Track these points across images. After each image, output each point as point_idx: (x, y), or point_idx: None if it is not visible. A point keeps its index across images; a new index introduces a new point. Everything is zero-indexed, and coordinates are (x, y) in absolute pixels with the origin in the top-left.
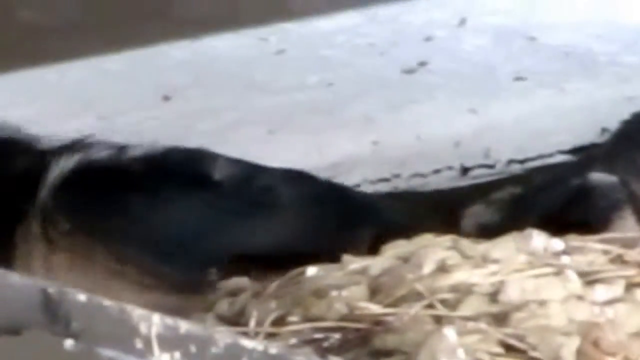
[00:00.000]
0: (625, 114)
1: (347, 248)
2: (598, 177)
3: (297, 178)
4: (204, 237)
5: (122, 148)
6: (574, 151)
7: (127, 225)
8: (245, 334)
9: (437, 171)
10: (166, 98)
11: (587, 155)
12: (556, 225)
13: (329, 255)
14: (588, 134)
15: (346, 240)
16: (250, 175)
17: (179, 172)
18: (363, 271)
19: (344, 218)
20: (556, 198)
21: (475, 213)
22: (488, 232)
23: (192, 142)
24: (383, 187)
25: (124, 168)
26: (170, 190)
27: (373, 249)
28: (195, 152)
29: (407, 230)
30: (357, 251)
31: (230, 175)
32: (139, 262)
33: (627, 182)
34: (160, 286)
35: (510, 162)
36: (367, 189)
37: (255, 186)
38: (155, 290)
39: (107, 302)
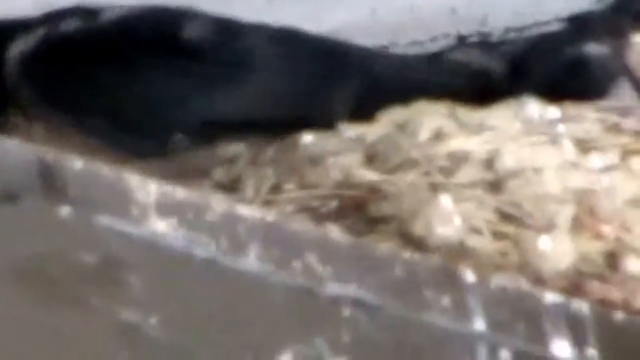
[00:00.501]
0: None
1: (330, 106)
2: (593, 48)
3: (282, 36)
4: (176, 104)
5: (93, 13)
6: (571, 19)
7: (95, 96)
8: (242, 201)
9: (433, 39)
10: None
11: (581, 24)
12: (553, 96)
13: (307, 119)
14: (585, 1)
15: (330, 99)
16: (230, 35)
17: (150, 36)
18: (359, 138)
19: (328, 75)
20: (552, 68)
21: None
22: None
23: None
24: None
25: (92, 36)
26: (141, 56)
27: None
28: (171, 12)
29: (400, 90)
30: (342, 106)
31: (208, 36)
32: (107, 133)
33: (621, 53)
34: (126, 155)
35: (507, 30)
36: None
37: (233, 47)
38: (122, 160)
39: (103, 169)
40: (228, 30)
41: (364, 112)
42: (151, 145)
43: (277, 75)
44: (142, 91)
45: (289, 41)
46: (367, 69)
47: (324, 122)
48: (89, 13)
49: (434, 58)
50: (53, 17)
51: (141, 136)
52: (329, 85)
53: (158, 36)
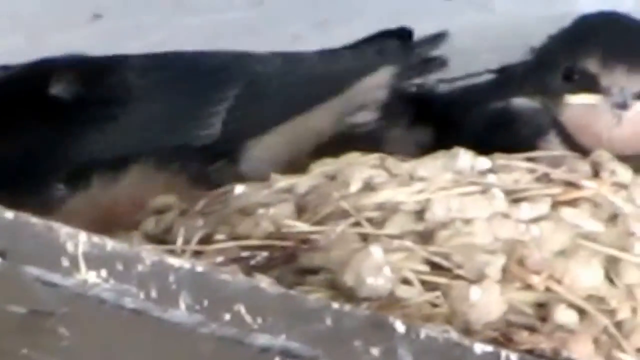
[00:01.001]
0: (553, 32)
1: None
2: (520, 102)
3: (153, 63)
4: (51, 154)
5: None
6: (501, 70)
7: None
8: (172, 252)
9: None
10: (97, 16)
11: (508, 77)
12: (480, 149)
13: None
14: (515, 53)
15: (210, 113)
16: (98, 76)
17: (21, 94)
18: (290, 189)
19: (206, 89)
20: (478, 121)
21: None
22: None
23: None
24: None
25: None
26: (14, 114)
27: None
28: (40, 69)
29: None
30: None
31: (73, 87)
32: None
33: (548, 107)
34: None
35: (438, 81)
36: None
37: (101, 88)
38: None
39: (33, 220)
40: (96, 72)
41: (248, 117)
42: (33, 197)
43: (151, 103)
44: (19, 147)
45: (161, 66)
46: (247, 73)
47: (210, 139)
48: None
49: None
50: None
51: (23, 190)
52: (208, 100)
53: (28, 94)
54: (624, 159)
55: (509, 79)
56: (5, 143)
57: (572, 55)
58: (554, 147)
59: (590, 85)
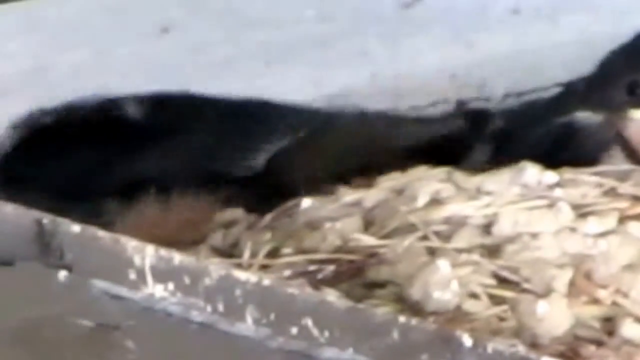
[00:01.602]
0: None
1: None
2: (584, 117)
3: (205, 102)
4: (107, 171)
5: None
6: (567, 85)
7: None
8: (239, 266)
9: (433, 104)
10: (164, 30)
11: (570, 92)
12: (544, 165)
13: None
14: (583, 69)
15: (255, 152)
16: (158, 106)
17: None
18: (357, 203)
19: (253, 130)
20: (542, 136)
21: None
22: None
23: (189, 75)
24: None
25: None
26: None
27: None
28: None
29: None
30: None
31: (139, 111)
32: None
33: (612, 121)
34: None
35: (506, 95)
36: None
37: (162, 117)
38: None
39: (100, 233)
40: (158, 104)
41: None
42: (84, 209)
43: (203, 135)
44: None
45: (213, 106)
46: (293, 125)
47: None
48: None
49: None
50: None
51: (76, 202)
52: (255, 140)
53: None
54: None
55: (571, 94)
56: (69, 160)
57: (635, 69)
58: (617, 162)
59: None
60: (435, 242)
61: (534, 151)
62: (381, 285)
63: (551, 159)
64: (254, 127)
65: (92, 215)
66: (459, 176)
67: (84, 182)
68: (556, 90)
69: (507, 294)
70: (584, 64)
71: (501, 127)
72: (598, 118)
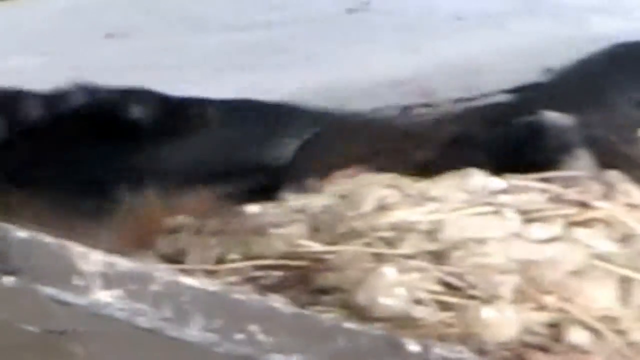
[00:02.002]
0: (567, 53)
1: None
2: (552, 117)
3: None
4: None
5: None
6: (516, 90)
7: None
8: (186, 272)
9: (378, 110)
10: (109, 36)
11: (529, 95)
12: (507, 165)
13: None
14: (530, 74)
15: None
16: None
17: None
18: (303, 209)
19: (266, 130)
20: (503, 137)
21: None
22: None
23: (134, 80)
24: None
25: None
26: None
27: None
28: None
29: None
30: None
31: (147, 112)
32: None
33: (588, 125)
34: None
35: (452, 101)
36: None
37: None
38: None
39: (47, 239)
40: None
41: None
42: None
43: (227, 133)
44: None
45: (236, 106)
46: (313, 125)
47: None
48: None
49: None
50: None
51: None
52: (278, 138)
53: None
54: None
55: (534, 99)
56: (80, 156)
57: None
58: (583, 166)
59: None
60: (381, 249)
61: (496, 150)
62: (327, 291)
63: (516, 158)
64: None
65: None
66: (405, 182)
67: (95, 178)
68: (503, 95)
69: (454, 300)
70: (529, 69)
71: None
72: (567, 119)
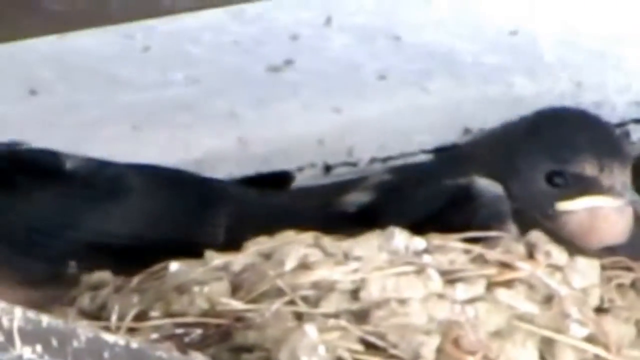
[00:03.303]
0: (488, 114)
1: (203, 234)
2: (483, 184)
3: (146, 168)
4: (59, 228)
5: None
6: (436, 151)
7: None
8: (107, 329)
9: (300, 169)
10: (32, 92)
11: (453, 156)
12: (432, 228)
13: (186, 242)
14: (450, 134)
15: (201, 225)
16: (100, 167)
17: (37, 167)
18: (225, 267)
19: (196, 203)
20: (432, 196)
21: (354, 200)
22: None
23: (57, 136)
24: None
25: None
26: (29, 184)
27: (232, 241)
28: (52, 151)
29: (266, 219)
30: (214, 237)
31: (81, 167)
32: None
33: (515, 197)
34: (23, 281)
35: (373, 160)
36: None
37: (105, 176)
38: (18, 286)
39: None
40: (96, 163)
41: (232, 242)
42: (47, 272)
43: (150, 199)
44: (30, 215)
45: (157, 172)
46: (236, 199)
47: (199, 247)
48: None
49: (299, 193)
50: None
51: (38, 263)
52: (202, 210)
53: (43, 167)
54: (612, 250)
55: (466, 157)
56: (23, 206)
57: (554, 159)
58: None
59: (587, 187)
60: (302, 307)
61: (421, 212)
62: (249, 349)
63: (444, 221)
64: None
65: (52, 278)
66: (327, 241)
67: (41, 239)
68: (423, 156)
69: (375, 359)
70: (450, 129)
71: (386, 187)
72: (498, 188)
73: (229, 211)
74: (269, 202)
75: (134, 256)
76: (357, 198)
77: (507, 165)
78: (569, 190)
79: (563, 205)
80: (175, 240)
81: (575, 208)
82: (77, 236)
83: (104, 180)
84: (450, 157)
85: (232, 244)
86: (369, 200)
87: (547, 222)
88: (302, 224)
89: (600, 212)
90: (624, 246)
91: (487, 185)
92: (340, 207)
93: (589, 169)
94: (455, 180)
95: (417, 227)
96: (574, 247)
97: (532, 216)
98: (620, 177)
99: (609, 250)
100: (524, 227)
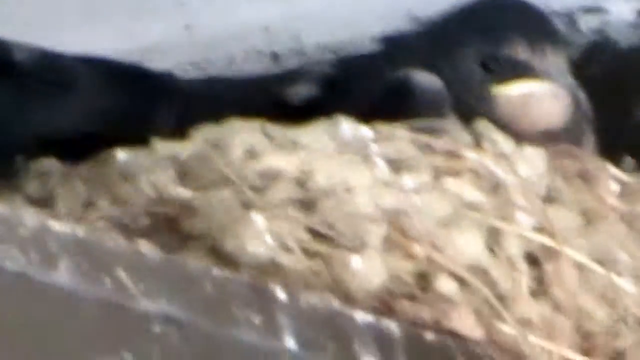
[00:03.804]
0: (434, 2)
1: (151, 126)
2: (422, 78)
3: (94, 60)
4: (6, 123)
5: None
6: (383, 38)
7: None
8: (54, 216)
9: (246, 56)
10: None
11: (397, 47)
12: (373, 117)
13: (134, 136)
14: (397, 22)
15: (149, 118)
16: (48, 59)
17: None
18: (172, 156)
19: (145, 97)
20: (373, 89)
21: (298, 92)
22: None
23: (4, 28)
24: (196, 73)
25: None
26: None
27: (180, 131)
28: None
29: (214, 112)
30: (161, 130)
31: (29, 58)
32: None
33: (451, 86)
34: None
35: (321, 47)
36: (180, 73)
37: (53, 68)
38: None
39: None
40: (44, 55)
41: (180, 134)
42: None
43: (99, 94)
44: None
45: (106, 65)
46: (183, 91)
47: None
48: None
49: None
50: None
51: None
52: (149, 104)
53: None
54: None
55: (404, 49)
56: None
57: (486, 43)
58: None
59: (521, 71)
60: (249, 195)
61: (364, 105)
62: (196, 237)
63: (383, 114)
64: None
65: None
66: (274, 129)
67: None
68: (371, 43)
69: (322, 248)
70: (397, 17)
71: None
72: (437, 82)
73: (176, 103)
74: (215, 92)
75: (82, 151)
76: (301, 90)
77: (444, 53)
78: (503, 75)
79: (497, 90)
80: (123, 135)
81: (509, 93)
82: (25, 131)
83: (52, 73)
84: (392, 49)
85: (180, 136)
86: (313, 94)
87: (483, 107)
88: (248, 113)
89: (533, 96)
90: (562, 132)
91: (425, 79)
92: (285, 98)
93: (521, 51)
94: (396, 74)
95: (360, 121)
96: (510, 132)
97: (469, 103)
98: (555, 61)
99: (548, 136)
100: (461, 115)
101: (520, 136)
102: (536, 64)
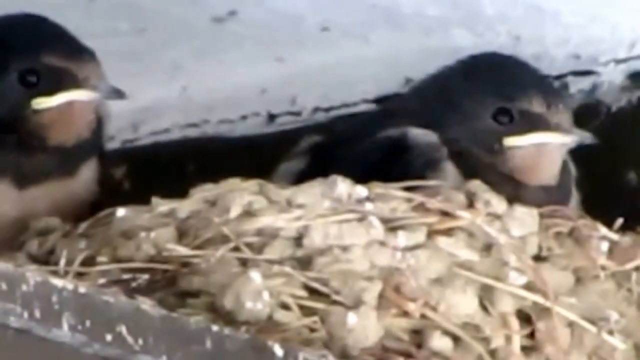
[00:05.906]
0: (428, 65)
1: None
2: (416, 134)
3: None
4: None
5: None
6: (378, 100)
7: None
8: (55, 273)
9: (244, 117)
10: None
11: (390, 106)
12: (371, 178)
13: None
14: (391, 84)
15: None
16: None
17: None
18: (171, 213)
19: None
20: (368, 150)
21: (284, 171)
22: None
23: None
24: (192, 132)
25: None
26: None
27: None
28: None
29: None
30: None
31: None
32: None
33: (448, 139)
34: None
35: (316, 110)
36: (177, 133)
37: None
38: None
39: None
40: None
41: None
42: None
43: None
44: None
45: None
46: None
47: None
48: None
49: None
50: None
51: None
52: None
53: None
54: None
55: (394, 111)
56: None
57: (500, 96)
58: (448, 179)
59: (535, 123)
60: (247, 253)
61: (361, 163)
62: (194, 294)
63: (380, 174)
64: None
65: None
66: (271, 188)
67: None
68: (365, 105)
69: (318, 305)
70: (392, 79)
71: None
72: (432, 136)
73: None
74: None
75: None
76: (291, 167)
77: (447, 109)
78: (516, 127)
79: (510, 141)
80: None
81: (523, 143)
82: None
83: None
84: (384, 109)
85: None
86: (304, 166)
87: (491, 158)
88: None
89: (547, 148)
90: (555, 187)
91: (420, 135)
92: (275, 182)
93: (537, 105)
94: (389, 133)
95: (357, 178)
96: (513, 182)
97: (476, 155)
98: (566, 116)
99: (544, 190)
100: (468, 166)
101: (523, 187)
102: (551, 117)
